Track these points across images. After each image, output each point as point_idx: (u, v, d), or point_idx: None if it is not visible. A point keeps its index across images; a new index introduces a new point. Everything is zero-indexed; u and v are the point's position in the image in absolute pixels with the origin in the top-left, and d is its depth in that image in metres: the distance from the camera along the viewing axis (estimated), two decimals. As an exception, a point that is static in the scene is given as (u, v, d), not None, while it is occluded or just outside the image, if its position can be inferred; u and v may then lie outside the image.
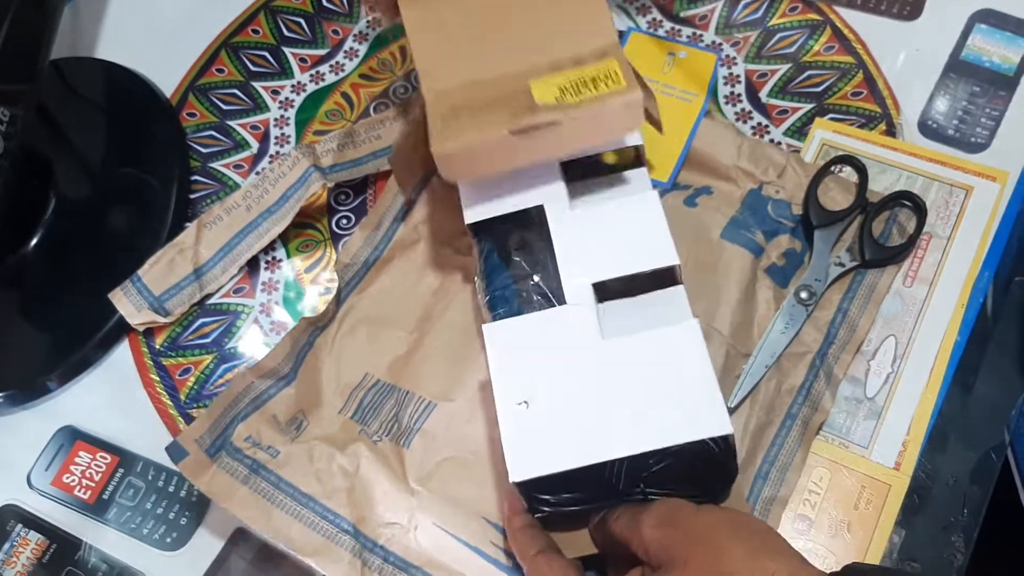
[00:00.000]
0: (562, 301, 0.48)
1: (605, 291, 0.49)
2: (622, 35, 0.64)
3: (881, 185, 0.58)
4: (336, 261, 0.58)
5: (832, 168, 0.57)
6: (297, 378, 0.55)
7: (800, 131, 0.60)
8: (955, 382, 0.53)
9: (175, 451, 0.51)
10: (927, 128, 0.60)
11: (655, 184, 0.58)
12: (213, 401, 0.53)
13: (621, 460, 0.43)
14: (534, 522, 0.46)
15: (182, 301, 0.59)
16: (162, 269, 0.59)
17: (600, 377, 0.45)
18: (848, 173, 0.58)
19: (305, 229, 0.62)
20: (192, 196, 0.64)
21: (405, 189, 0.56)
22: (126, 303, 0.58)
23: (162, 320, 0.58)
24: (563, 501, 0.45)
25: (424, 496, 0.51)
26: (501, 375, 0.46)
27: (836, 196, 0.56)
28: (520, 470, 0.43)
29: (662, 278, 0.49)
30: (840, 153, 0.59)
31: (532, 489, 0.44)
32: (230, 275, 0.60)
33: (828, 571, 0.38)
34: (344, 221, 0.62)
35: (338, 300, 0.57)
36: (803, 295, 0.54)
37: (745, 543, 0.39)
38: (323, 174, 0.60)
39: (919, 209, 0.55)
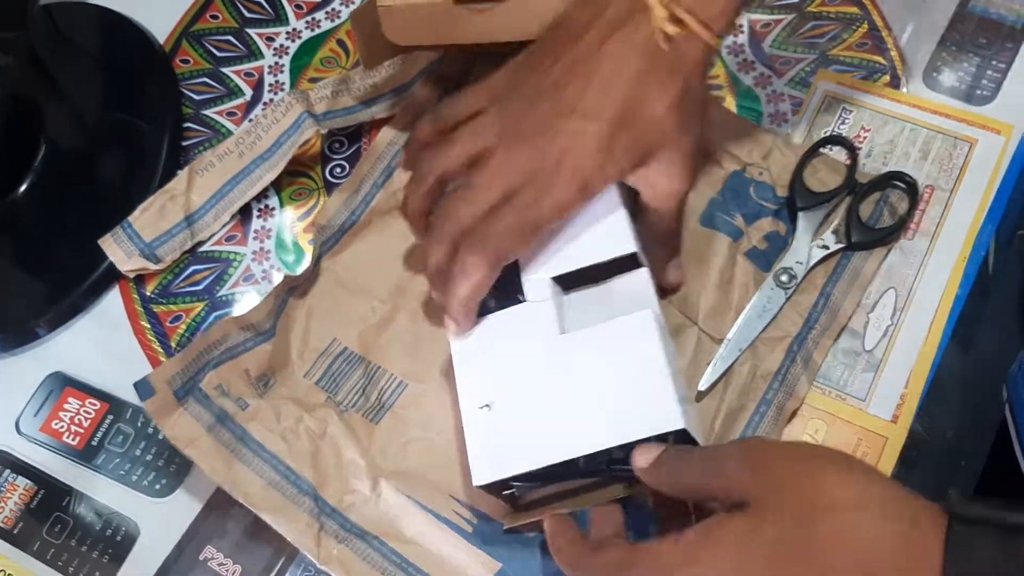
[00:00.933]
0: (523, 296, 0.48)
1: (568, 281, 0.49)
2: None
3: (884, 137, 0.57)
4: (313, 222, 0.57)
5: (822, 148, 0.56)
6: (275, 335, 0.54)
7: (803, 82, 0.59)
8: (955, 335, 0.52)
9: (143, 388, 0.49)
10: (932, 80, 0.59)
11: None
12: (189, 345, 0.52)
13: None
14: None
15: (173, 248, 0.58)
16: (153, 215, 0.58)
17: (559, 375, 0.45)
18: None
19: (298, 177, 0.61)
20: (184, 143, 0.63)
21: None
22: (116, 249, 0.57)
23: (153, 267, 0.57)
24: (523, 487, 0.46)
25: (389, 468, 0.51)
26: (464, 378, 0.47)
27: (824, 177, 0.55)
28: (483, 474, 0.44)
29: (625, 263, 0.48)
30: (843, 106, 0.58)
31: (498, 486, 0.45)
32: (222, 222, 0.59)
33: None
34: (338, 169, 0.61)
35: (316, 262, 0.56)
36: (783, 278, 0.52)
37: (840, 472, 0.37)
38: (317, 121, 0.59)
39: (912, 189, 0.53)
